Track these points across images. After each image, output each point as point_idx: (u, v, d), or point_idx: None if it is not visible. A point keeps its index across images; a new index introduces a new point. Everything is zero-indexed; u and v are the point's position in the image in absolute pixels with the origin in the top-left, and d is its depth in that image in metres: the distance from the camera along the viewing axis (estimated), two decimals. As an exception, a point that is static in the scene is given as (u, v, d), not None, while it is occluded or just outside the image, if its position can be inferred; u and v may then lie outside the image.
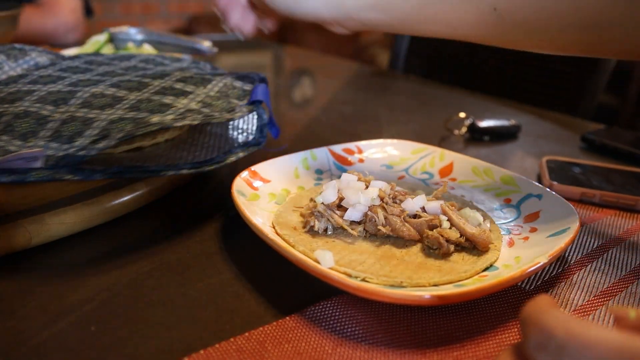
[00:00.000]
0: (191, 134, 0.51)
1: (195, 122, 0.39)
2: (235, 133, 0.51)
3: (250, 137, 0.49)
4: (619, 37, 0.38)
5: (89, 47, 0.75)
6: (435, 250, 0.36)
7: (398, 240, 0.37)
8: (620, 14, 0.37)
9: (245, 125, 0.52)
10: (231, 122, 0.53)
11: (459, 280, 0.33)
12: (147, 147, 0.47)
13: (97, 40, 0.75)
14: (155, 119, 0.39)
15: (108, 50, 0.76)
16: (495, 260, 0.35)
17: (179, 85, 0.47)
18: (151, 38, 0.75)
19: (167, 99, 0.44)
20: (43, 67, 0.54)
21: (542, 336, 0.18)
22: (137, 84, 0.47)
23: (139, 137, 0.46)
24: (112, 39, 0.76)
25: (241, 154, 0.43)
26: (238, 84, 0.50)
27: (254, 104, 0.45)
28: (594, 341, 0.17)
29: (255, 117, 0.48)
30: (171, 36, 0.75)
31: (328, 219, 0.38)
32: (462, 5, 0.42)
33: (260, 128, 0.45)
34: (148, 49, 0.74)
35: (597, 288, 0.35)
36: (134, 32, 0.76)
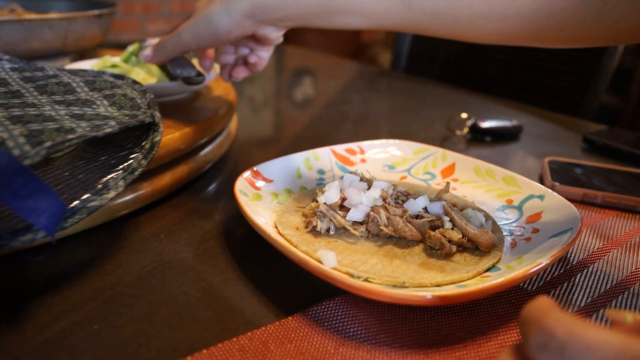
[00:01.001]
0: None
1: None
2: None
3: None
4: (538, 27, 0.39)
5: (122, 57, 0.75)
6: (438, 250, 0.36)
7: (400, 241, 0.37)
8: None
9: None
10: None
11: (461, 281, 0.33)
12: None
13: (126, 51, 0.75)
14: None
15: (122, 62, 0.75)
16: (498, 261, 0.35)
17: None
18: None
19: None
20: None
21: (543, 336, 0.18)
22: None
23: None
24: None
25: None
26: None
27: None
28: (595, 342, 0.17)
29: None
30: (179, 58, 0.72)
31: (330, 219, 0.38)
32: None
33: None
34: (152, 66, 0.73)
35: (599, 289, 0.35)
36: None
